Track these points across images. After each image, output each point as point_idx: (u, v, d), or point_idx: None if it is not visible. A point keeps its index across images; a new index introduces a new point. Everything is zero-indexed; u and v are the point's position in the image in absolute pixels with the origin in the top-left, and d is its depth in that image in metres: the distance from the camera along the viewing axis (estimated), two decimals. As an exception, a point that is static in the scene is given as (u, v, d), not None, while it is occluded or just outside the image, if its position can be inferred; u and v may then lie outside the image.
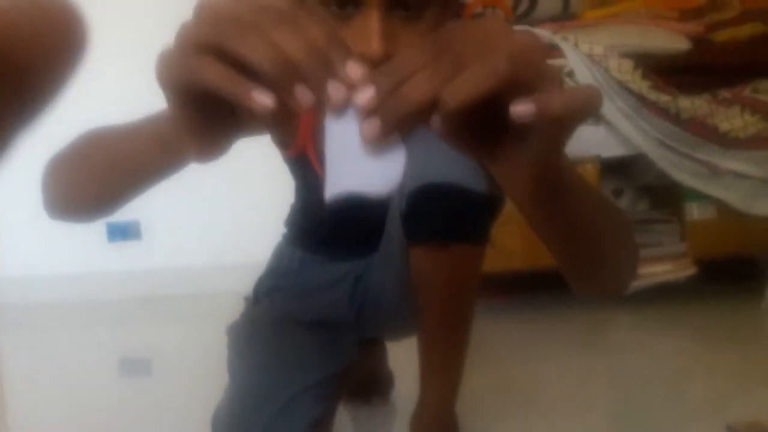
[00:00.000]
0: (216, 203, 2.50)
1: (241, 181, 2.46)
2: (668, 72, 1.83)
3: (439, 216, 0.82)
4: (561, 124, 0.37)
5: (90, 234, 2.46)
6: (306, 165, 0.97)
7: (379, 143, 0.39)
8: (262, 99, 0.37)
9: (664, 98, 1.79)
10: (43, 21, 0.33)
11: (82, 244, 2.48)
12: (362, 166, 0.40)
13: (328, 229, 1.06)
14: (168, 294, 2.44)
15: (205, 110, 0.41)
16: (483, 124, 0.40)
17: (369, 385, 1.31)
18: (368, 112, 0.37)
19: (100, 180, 0.59)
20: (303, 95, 0.37)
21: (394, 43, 0.65)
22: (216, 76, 0.37)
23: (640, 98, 1.78)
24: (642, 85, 1.79)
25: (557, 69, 0.46)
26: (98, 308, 2.37)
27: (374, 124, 0.37)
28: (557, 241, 0.51)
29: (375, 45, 0.64)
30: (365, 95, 0.37)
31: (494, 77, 0.35)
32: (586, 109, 0.37)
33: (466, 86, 0.35)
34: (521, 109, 0.35)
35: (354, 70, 0.37)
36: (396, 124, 0.37)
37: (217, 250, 2.51)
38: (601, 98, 0.38)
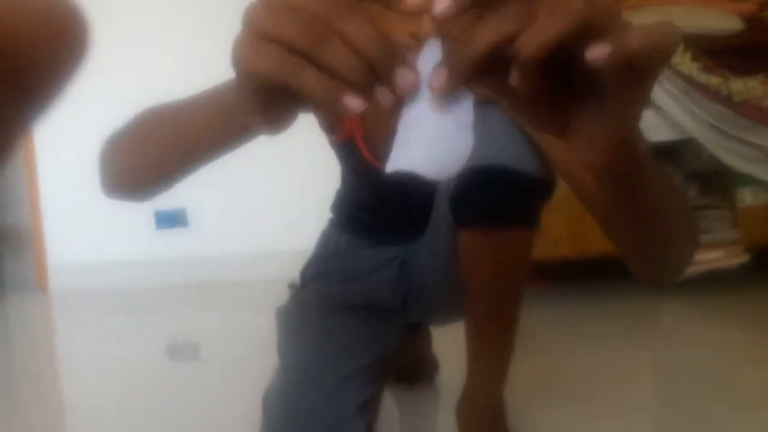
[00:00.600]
0: (262, 191, 2.53)
1: (287, 168, 2.49)
2: (720, 53, 1.78)
3: (490, 199, 0.81)
4: (640, 68, 0.35)
5: (138, 222, 2.52)
6: (352, 150, 0.98)
7: (448, 95, 0.37)
8: (354, 104, 0.36)
9: (715, 80, 1.74)
10: (44, 21, 0.34)
11: (130, 232, 2.54)
12: (429, 148, 0.40)
13: (375, 209, 1.06)
14: (214, 280, 2.48)
15: (275, 91, 0.41)
16: (556, 94, 0.38)
17: (414, 369, 1.32)
18: (444, 26, 0.36)
19: (159, 153, 0.60)
20: (383, 96, 0.36)
21: (444, 21, 0.65)
22: (309, 82, 0.36)
23: (690, 81, 1.74)
24: (692, 67, 1.74)
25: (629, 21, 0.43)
26: (146, 295, 2.42)
27: (442, 74, 0.36)
28: (624, 221, 0.50)
29: (426, 24, 0.64)
30: (443, 2, 0.36)
31: (570, 17, 0.33)
32: (665, 45, 0.34)
33: (542, 30, 0.33)
34: (598, 51, 0.33)
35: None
36: (465, 71, 0.35)
37: (263, 238, 2.54)
38: (680, 33, 0.36)
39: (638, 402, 1.30)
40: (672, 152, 1.94)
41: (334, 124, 0.96)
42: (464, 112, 0.40)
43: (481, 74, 0.36)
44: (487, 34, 0.34)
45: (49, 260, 2.59)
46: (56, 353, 1.96)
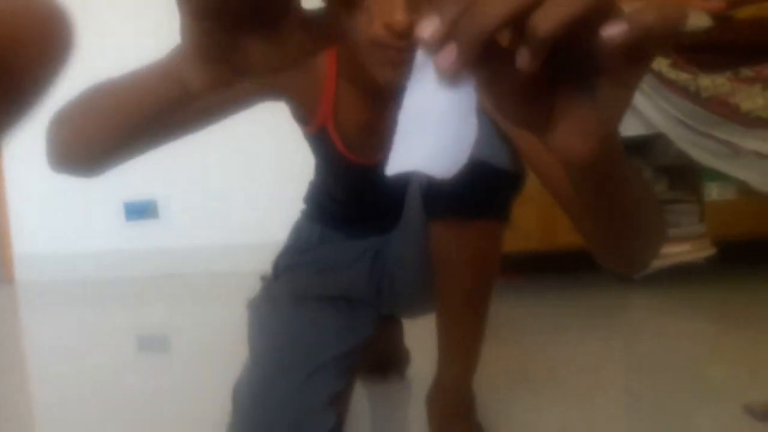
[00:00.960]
0: (233, 182, 2.51)
1: (258, 159, 2.47)
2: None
3: (460, 192, 0.81)
4: (648, 46, 0.34)
5: (108, 213, 2.48)
6: (325, 141, 0.97)
7: (455, 74, 0.35)
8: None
9: (684, 76, 1.77)
10: (29, 21, 0.33)
11: (99, 222, 2.51)
12: (432, 141, 0.38)
13: (348, 201, 1.06)
14: (185, 272, 2.46)
15: (217, 34, 0.41)
16: (542, 87, 0.38)
17: (385, 361, 1.32)
18: (438, 46, 0.34)
19: (103, 124, 0.59)
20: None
21: (417, 12, 0.65)
22: None
23: (660, 77, 1.76)
24: (661, 63, 1.76)
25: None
26: (116, 286, 2.39)
27: (449, 53, 0.34)
28: (595, 215, 0.50)
29: (399, 15, 0.64)
30: (430, 27, 0.34)
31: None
32: (676, 21, 0.34)
33: (561, 6, 0.31)
34: (616, 28, 0.32)
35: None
36: (474, 47, 0.33)
37: (234, 229, 2.52)
38: (687, 11, 0.35)
39: (607, 392, 1.32)
40: (642, 147, 1.97)
41: (307, 116, 0.96)
42: (466, 97, 0.38)
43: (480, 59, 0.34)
44: (501, 6, 0.32)
45: (15, 251, 2.54)
46: (23, 346, 1.93)
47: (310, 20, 0.43)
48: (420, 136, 0.39)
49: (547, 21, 0.32)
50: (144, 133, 0.57)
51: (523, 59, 0.33)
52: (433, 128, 0.38)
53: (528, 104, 0.38)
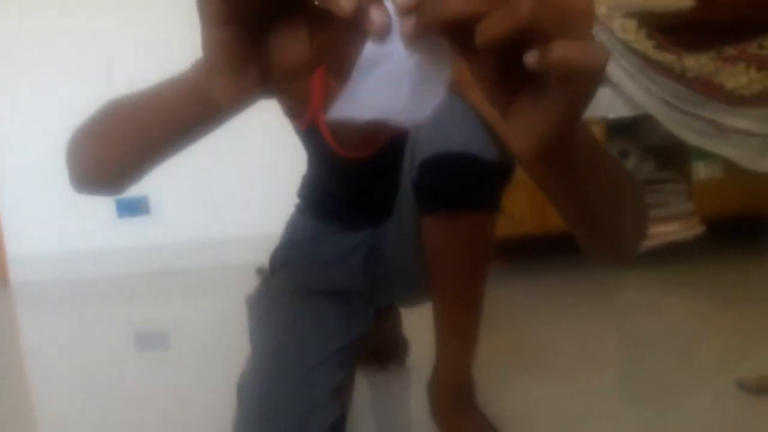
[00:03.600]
0: (224, 176, 2.51)
1: (250, 153, 2.47)
2: (673, 30, 1.82)
3: (451, 185, 0.83)
4: (572, 80, 0.36)
5: (99, 210, 2.48)
6: (316, 136, 0.98)
7: (414, 40, 0.39)
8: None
9: (668, 57, 1.79)
10: None
11: (91, 220, 2.50)
12: (396, 92, 0.40)
13: (341, 195, 1.07)
14: (178, 268, 2.47)
15: (242, 40, 0.42)
16: (508, 73, 0.39)
17: (384, 351, 1.34)
18: (406, 12, 0.38)
19: (126, 143, 0.59)
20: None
21: None
22: None
23: (645, 58, 1.78)
24: (646, 45, 1.78)
25: (591, 22, 0.43)
26: (111, 284, 2.40)
27: (410, 21, 0.38)
28: (568, 205, 0.51)
29: None
30: None
31: (514, 19, 0.35)
32: (589, 65, 0.36)
33: (497, 23, 0.35)
34: (529, 57, 0.36)
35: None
36: (430, 26, 0.37)
37: (227, 224, 2.53)
38: (607, 56, 0.38)
39: (602, 371, 1.35)
40: (629, 128, 1.99)
41: (298, 111, 0.97)
42: (435, 64, 0.40)
43: (448, 32, 0.38)
44: (459, 4, 0.36)
45: (9, 252, 2.54)
46: (21, 347, 1.94)
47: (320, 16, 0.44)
48: (370, 90, 0.40)
49: (484, 33, 0.36)
50: (168, 151, 0.57)
51: (482, 33, 0.36)
52: (387, 82, 0.40)
53: (495, 83, 0.40)
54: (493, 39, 0.35)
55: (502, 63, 0.39)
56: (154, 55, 2.44)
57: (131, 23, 2.48)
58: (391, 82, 0.40)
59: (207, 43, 0.43)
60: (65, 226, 2.51)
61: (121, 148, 0.60)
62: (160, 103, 0.55)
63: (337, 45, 0.44)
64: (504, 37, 0.35)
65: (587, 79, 0.37)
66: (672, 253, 1.90)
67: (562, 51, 0.35)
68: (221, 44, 0.42)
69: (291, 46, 0.44)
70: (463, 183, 0.82)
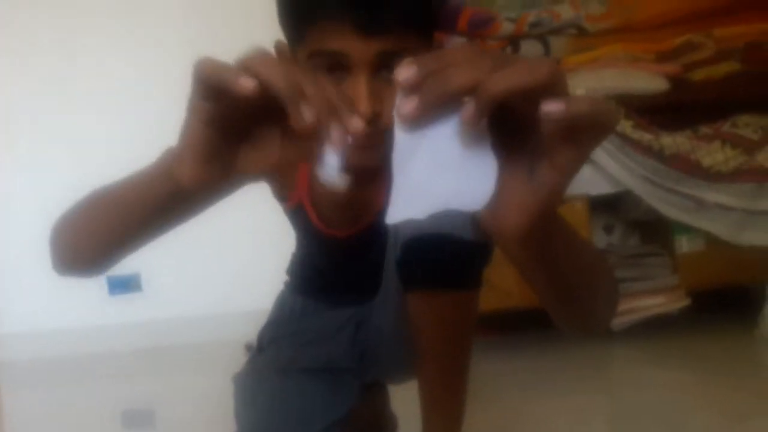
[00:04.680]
0: (215, 253, 2.53)
1: (240, 230, 2.50)
2: (649, 111, 1.90)
3: (432, 265, 0.86)
4: (583, 133, 0.38)
5: (91, 288, 2.48)
6: (303, 215, 1.02)
7: (412, 121, 0.39)
8: (307, 115, 0.43)
9: (647, 137, 1.86)
10: None
11: (83, 298, 2.50)
12: (453, 181, 0.39)
13: (329, 272, 1.09)
14: (170, 344, 2.45)
15: (218, 139, 0.47)
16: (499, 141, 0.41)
17: (372, 428, 1.33)
18: (408, 92, 0.38)
19: (108, 227, 0.63)
20: (307, 114, 0.43)
21: (380, 102, 0.72)
22: (277, 75, 0.43)
23: (624, 137, 1.84)
24: (625, 125, 1.85)
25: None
26: (100, 361, 2.37)
27: (412, 102, 0.38)
28: (543, 282, 0.54)
29: (363, 106, 0.70)
30: (408, 71, 0.38)
31: (537, 74, 0.36)
32: (607, 118, 0.38)
33: (509, 77, 0.36)
34: (554, 105, 0.36)
35: (357, 122, 0.44)
36: (433, 103, 0.38)
37: (218, 299, 2.53)
38: (620, 115, 0.40)
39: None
40: (612, 203, 2.04)
41: (285, 193, 1.01)
42: (480, 134, 0.39)
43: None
44: (464, 77, 0.37)
45: (-3, 330, 2.52)
46: (4, 426, 1.90)
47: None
48: (431, 180, 0.39)
49: (495, 85, 0.37)
50: (150, 235, 0.61)
51: (466, 112, 0.38)
52: (449, 167, 0.39)
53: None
54: (509, 91, 0.36)
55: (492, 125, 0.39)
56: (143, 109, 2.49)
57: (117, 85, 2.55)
58: (436, 166, 0.39)
59: (186, 132, 0.47)
60: (56, 304, 2.51)
61: (101, 231, 0.65)
62: (132, 186, 0.60)
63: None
64: (522, 90, 0.36)
65: (605, 134, 0.38)
66: (658, 326, 1.91)
67: (591, 103, 0.37)
68: (198, 137, 0.47)
69: (263, 148, 0.48)
70: (444, 262, 0.85)
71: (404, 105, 0.39)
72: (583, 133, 0.38)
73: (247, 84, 0.43)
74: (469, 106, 0.38)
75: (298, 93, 0.43)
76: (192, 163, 0.47)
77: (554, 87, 0.37)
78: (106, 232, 0.64)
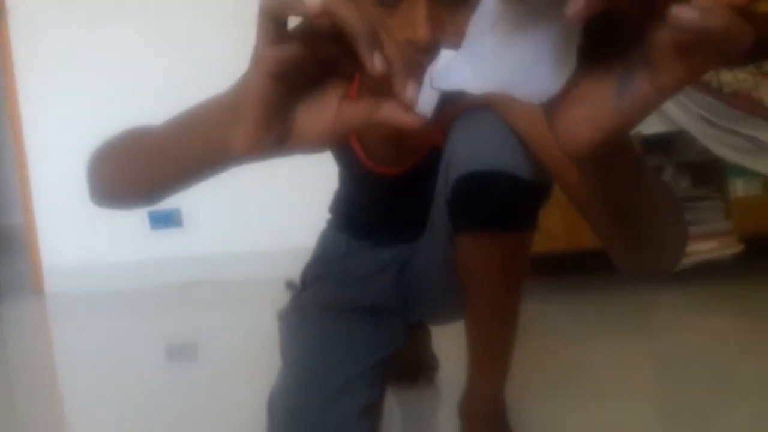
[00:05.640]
0: (257, 190, 2.52)
1: (282, 167, 2.47)
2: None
3: (487, 205, 0.81)
4: (703, 51, 0.32)
5: (132, 222, 2.51)
6: (349, 152, 0.98)
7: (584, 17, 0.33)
8: (379, 62, 0.42)
9: (705, 72, 1.76)
10: None
11: (125, 232, 2.54)
12: (522, 66, 0.35)
13: (374, 211, 1.07)
14: (211, 280, 2.49)
15: (281, 97, 0.45)
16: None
17: (414, 368, 1.33)
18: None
19: (147, 172, 0.60)
20: (378, 61, 0.42)
21: (440, 28, 0.65)
22: (353, 16, 0.42)
23: (681, 73, 1.75)
24: (682, 60, 1.75)
25: None
26: (142, 296, 2.42)
27: None
28: (605, 215, 0.50)
29: (422, 31, 0.64)
30: None
31: None
32: (742, 39, 0.32)
33: None
34: (686, 12, 0.31)
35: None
36: None
37: (258, 237, 2.54)
38: (752, 34, 0.34)
39: (637, 390, 1.32)
40: (664, 144, 1.95)
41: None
42: (562, 30, 0.34)
43: None
44: None
45: (44, 262, 2.58)
46: (53, 356, 1.96)
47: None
48: (498, 58, 0.36)
49: None
50: (188, 181, 0.58)
51: (574, 6, 0.33)
52: (522, 52, 0.35)
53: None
54: None
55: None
56: (177, 61, 2.48)
57: (155, 31, 2.52)
58: (512, 48, 0.36)
59: (252, 90, 0.45)
60: (99, 238, 2.55)
61: (140, 174, 0.62)
62: (178, 141, 0.57)
63: (362, 121, 0.46)
64: None
65: (730, 56, 0.33)
66: (709, 272, 1.85)
67: (727, 16, 0.31)
68: (264, 94, 0.45)
69: (319, 113, 0.47)
70: (499, 203, 0.81)
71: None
72: (704, 50, 0.32)
73: (320, 12, 0.41)
74: (578, 1, 0.32)
75: (373, 37, 0.42)
76: (250, 129, 0.46)
77: None
78: (147, 176, 0.61)
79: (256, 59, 0.44)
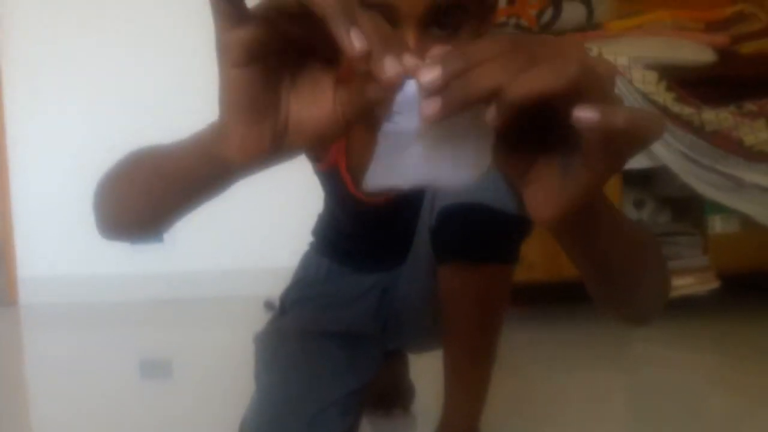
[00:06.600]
0: (238, 207, 2.51)
1: (265, 185, 2.47)
2: (693, 84, 1.82)
3: (470, 236, 0.82)
4: (618, 145, 0.35)
5: (112, 235, 2.48)
6: (336, 179, 0.98)
7: (437, 120, 0.36)
8: (358, 40, 0.37)
9: (687, 110, 1.79)
10: None
11: (104, 246, 2.50)
12: (442, 157, 0.38)
13: (357, 237, 1.07)
14: (189, 297, 2.46)
15: (260, 84, 0.40)
16: (527, 139, 0.39)
17: (390, 396, 1.32)
18: (431, 93, 0.36)
19: (149, 199, 0.58)
20: (357, 41, 0.37)
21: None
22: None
23: (664, 110, 1.78)
24: (666, 97, 1.78)
25: (622, 99, 0.43)
26: (120, 310, 2.39)
27: (435, 104, 0.36)
28: (587, 267, 0.51)
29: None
30: (431, 74, 0.35)
31: (564, 79, 0.33)
32: (647, 135, 0.35)
33: (534, 80, 0.34)
34: (586, 114, 0.33)
35: (408, 59, 0.38)
36: (457, 108, 0.36)
37: (238, 254, 2.53)
38: (664, 127, 0.36)
39: (610, 423, 1.32)
40: (645, 179, 1.98)
41: (319, 153, 0.97)
42: (477, 123, 0.37)
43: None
44: (488, 81, 0.35)
45: (19, 273, 2.54)
46: (25, 368, 1.93)
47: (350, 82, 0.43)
48: (422, 150, 0.39)
49: (519, 88, 0.34)
50: (191, 204, 0.56)
51: (489, 115, 0.36)
52: (443, 144, 0.38)
53: (510, 155, 0.40)
54: (534, 95, 0.34)
55: (516, 130, 0.38)
56: (165, 73, 2.47)
57: (143, 41, 2.52)
58: (431, 146, 0.38)
59: (224, 87, 0.41)
60: (78, 251, 2.52)
61: (144, 199, 0.59)
62: (176, 162, 0.53)
63: (362, 107, 0.42)
64: (548, 94, 0.34)
65: (645, 146, 0.35)
66: (686, 308, 1.87)
67: (628, 116, 0.33)
68: (239, 87, 0.40)
69: (314, 102, 0.42)
70: (482, 235, 0.81)
71: (427, 106, 0.36)
72: (620, 142, 0.35)
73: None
74: (492, 109, 0.36)
75: (348, 16, 0.37)
76: (240, 130, 0.41)
77: (589, 91, 0.34)
78: (148, 205, 0.58)
79: (220, 51, 0.40)
